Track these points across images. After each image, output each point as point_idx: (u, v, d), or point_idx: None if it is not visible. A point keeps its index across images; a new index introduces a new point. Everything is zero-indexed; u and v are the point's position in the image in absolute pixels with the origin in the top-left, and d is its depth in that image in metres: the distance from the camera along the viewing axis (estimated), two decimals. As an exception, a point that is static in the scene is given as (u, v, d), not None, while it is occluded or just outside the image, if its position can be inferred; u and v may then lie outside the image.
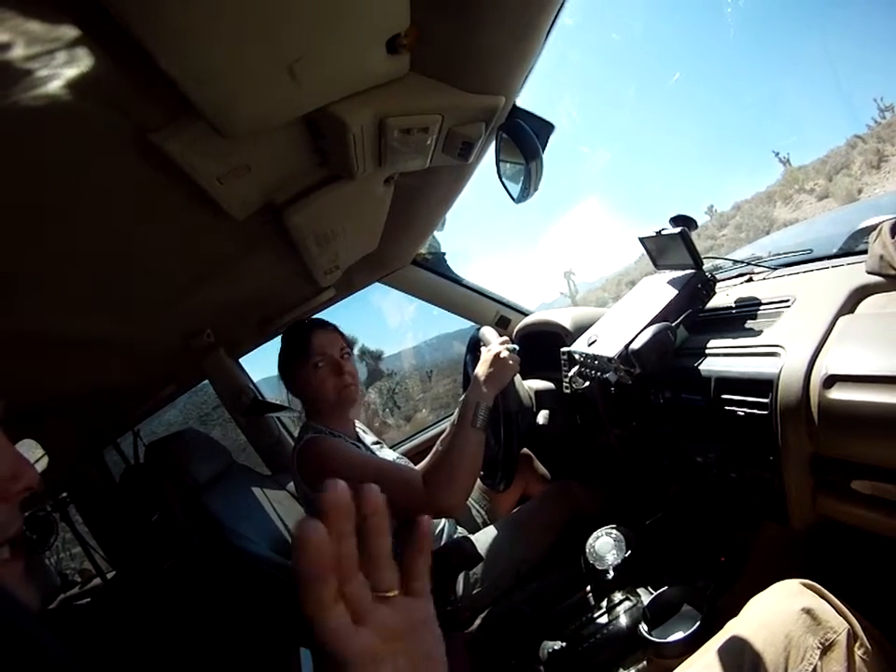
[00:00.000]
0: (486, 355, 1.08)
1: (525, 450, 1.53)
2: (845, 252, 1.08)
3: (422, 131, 0.80)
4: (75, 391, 1.35)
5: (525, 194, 0.91)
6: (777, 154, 11.69)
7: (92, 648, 1.41)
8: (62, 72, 0.45)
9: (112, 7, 0.40)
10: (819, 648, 0.58)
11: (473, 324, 1.95)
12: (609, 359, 0.92)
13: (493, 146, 0.95)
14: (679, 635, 0.85)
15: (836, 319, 0.79)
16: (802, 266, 1.09)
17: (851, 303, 0.83)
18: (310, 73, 0.58)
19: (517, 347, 1.09)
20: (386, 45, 0.61)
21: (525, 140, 0.82)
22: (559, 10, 0.66)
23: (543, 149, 0.86)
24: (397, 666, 0.33)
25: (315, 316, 1.31)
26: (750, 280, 1.15)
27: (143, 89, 0.52)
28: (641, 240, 1.04)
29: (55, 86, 0.46)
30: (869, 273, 0.86)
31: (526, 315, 1.80)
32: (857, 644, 0.58)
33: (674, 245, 0.98)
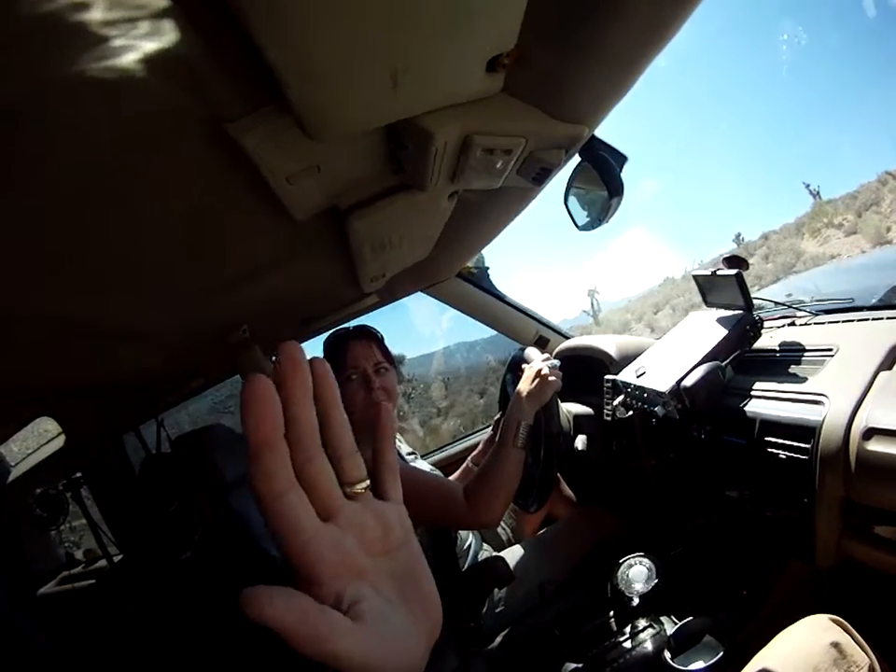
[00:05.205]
0: (529, 371, 1.14)
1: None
2: (885, 305, 1.18)
3: (505, 152, 0.82)
4: (104, 376, 1.39)
5: (593, 224, 0.96)
6: (808, 186, 11.90)
7: (93, 626, 1.48)
8: (142, 44, 0.43)
9: None
10: None
11: (494, 333, 2.04)
12: (660, 393, 1.01)
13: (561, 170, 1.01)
14: (700, 664, 0.93)
15: (877, 374, 0.87)
16: (843, 314, 1.17)
17: (891, 359, 0.91)
18: (411, 82, 0.59)
19: (558, 363, 1.15)
20: (486, 63, 0.62)
21: (610, 174, 0.87)
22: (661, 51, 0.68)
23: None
24: (378, 585, 0.28)
25: (358, 323, 1.36)
26: (793, 324, 1.24)
27: (230, 76, 0.51)
28: (695, 277, 1.13)
29: (132, 58, 0.43)
30: None
31: (567, 337, 1.87)
32: None
33: (726, 285, 1.07)
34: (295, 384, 0.25)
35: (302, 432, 0.25)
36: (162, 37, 0.43)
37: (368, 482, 0.30)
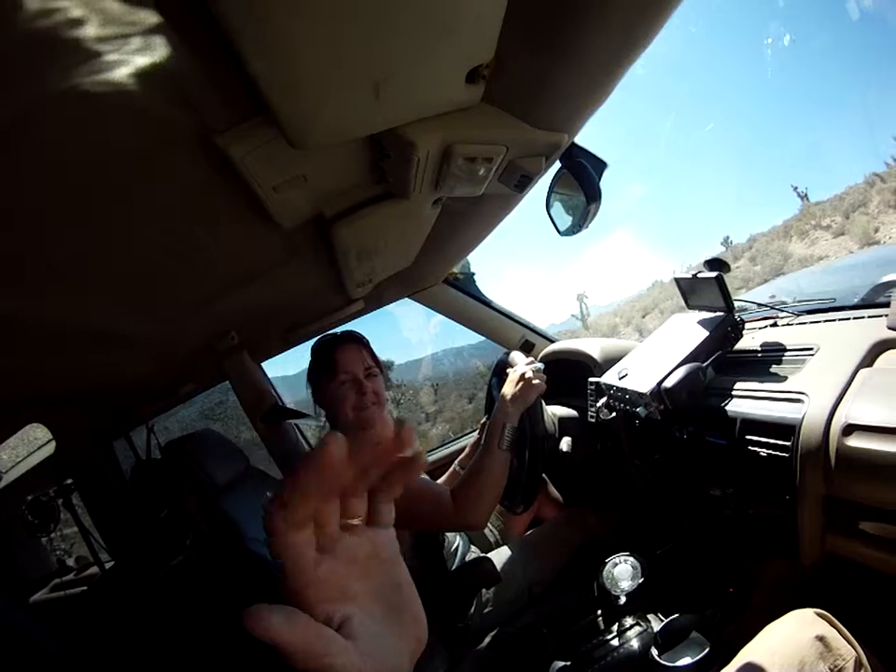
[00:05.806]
0: (513, 374, 1.16)
1: (540, 473, 1.62)
2: (866, 304, 1.19)
3: (486, 160, 0.84)
4: (95, 382, 1.40)
5: (573, 230, 0.98)
6: (796, 188, 12.02)
7: (85, 633, 1.48)
8: (133, 59, 0.44)
9: (215, 5, 0.39)
10: None
11: (482, 339, 2.05)
12: (641, 395, 1.01)
13: (543, 177, 1.03)
14: (687, 660, 0.93)
15: (857, 371, 0.88)
16: (824, 314, 1.19)
17: (871, 357, 0.92)
18: (393, 93, 0.59)
19: (542, 367, 1.17)
20: (466, 74, 0.64)
21: (587, 180, 0.89)
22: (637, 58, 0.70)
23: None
24: (365, 605, 0.30)
25: (345, 329, 1.37)
26: (775, 325, 1.25)
27: (217, 88, 0.53)
28: (677, 280, 1.14)
29: (124, 72, 0.45)
30: (890, 328, 0.96)
31: (552, 341, 1.89)
32: (861, 671, 0.68)
33: (707, 288, 1.08)
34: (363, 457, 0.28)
35: (338, 487, 0.27)
36: (153, 52, 0.44)
37: (361, 516, 0.31)
